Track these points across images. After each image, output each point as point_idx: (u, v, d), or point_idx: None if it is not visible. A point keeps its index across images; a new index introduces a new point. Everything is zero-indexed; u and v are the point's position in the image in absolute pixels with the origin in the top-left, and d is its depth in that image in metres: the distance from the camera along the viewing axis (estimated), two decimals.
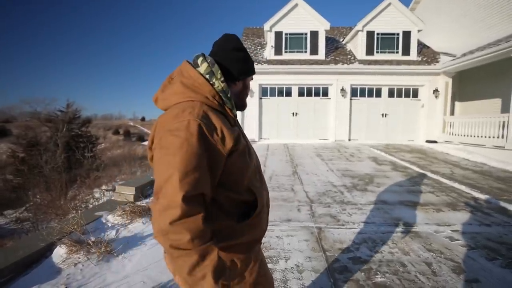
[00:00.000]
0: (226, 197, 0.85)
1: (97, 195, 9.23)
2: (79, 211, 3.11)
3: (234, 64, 0.92)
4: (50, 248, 2.46)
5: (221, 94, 0.86)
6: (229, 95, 0.88)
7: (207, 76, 0.85)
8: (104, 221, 3.09)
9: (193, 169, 0.71)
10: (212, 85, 0.85)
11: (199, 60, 0.88)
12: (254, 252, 0.97)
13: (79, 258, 2.31)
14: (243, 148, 0.87)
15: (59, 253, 2.36)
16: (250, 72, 0.97)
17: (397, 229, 2.81)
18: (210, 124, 0.77)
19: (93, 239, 2.52)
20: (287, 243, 2.51)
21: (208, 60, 0.87)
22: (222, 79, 0.87)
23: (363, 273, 2.03)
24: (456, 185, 4.50)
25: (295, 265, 2.17)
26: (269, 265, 2.13)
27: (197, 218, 0.70)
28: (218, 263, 0.73)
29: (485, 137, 7.34)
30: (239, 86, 0.97)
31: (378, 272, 2.04)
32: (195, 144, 0.72)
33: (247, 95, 1.02)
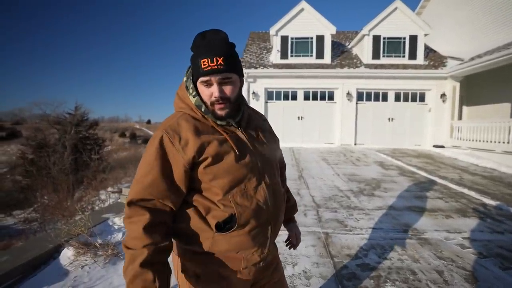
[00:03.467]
0: (201, 203, 0.83)
1: (103, 196, 9.31)
2: (86, 213, 3.13)
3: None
4: (57, 249, 2.48)
5: (197, 108, 0.85)
6: (203, 110, 0.84)
7: (186, 90, 0.88)
8: (110, 224, 3.11)
9: (144, 175, 0.79)
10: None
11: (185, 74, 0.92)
12: (247, 269, 0.89)
13: (86, 260, 2.32)
14: (219, 157, 0.81)
15: (67, 255, 2.38)
16: (193, 78, 0.84)
17: (406, 236, 2.76)
18: (175, 133, 0.80)
19: (100, 241, 2.53)
20: None
21: (187, 73, 0.89)
22: (194, 93, 0.85)
23: (372, 281, 2.00)
24: (466, 191, 4.41)
25: (303, 271, 2.14)
26: None
27: (138, 220, 0.77)
28: (138, 272, 0.73)
29: (495, 142, 7.20)
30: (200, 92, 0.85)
31: (388, 280, 2.00)
32: (151, 152, 0.80)
33: (208, 102, 0.83)
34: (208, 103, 0.83)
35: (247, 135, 0.90)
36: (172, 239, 0.89)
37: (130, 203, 0.79)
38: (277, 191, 0.93)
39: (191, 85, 0.86)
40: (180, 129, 0.81)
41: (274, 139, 1.04)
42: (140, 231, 0.76)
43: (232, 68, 0.82)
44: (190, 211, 0.84)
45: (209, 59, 0.78)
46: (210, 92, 0.82)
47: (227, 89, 0.83)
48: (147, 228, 0.76)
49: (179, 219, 0.85)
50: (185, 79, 0.89)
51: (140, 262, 0.74)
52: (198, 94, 0.85)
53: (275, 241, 1.01)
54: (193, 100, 0.86)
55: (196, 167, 0.81)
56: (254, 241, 0.86)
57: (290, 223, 1.19)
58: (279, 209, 0.93)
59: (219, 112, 0.83)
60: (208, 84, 0.81)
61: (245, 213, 0.82)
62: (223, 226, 0.81)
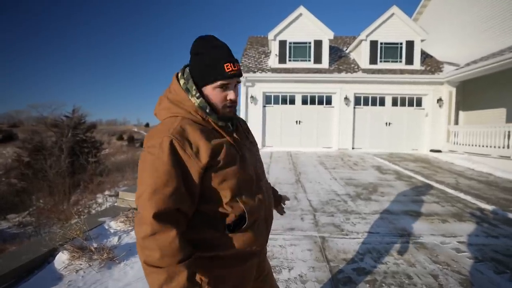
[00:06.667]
0: (208, 209, 0.83)
1: (99, 200, 9.25)
2: (82, 217, 3.11)
3: (194, 71, 0.85)
4: (52, 253, 2.45)
5: (201, 109, 0.84)
6: (208, 110, 0.84)
7: (186, 92, 0.85)
8: (106, 227, 3.09)
9: (163, 185, 0.73)
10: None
11: (179, 75, 0.88)
12: (250, 265, 0.92)
13: (81, 264, 2.30)
14: (229, 160, 0.82)
15: (61, 259, 2.35)
16: (203, 80, 0.83)
17: (402, 240, 2.76)
18: (184, 139, 0.77)
19: (95, 245, 2.51)
20: (290, 252, 2.48)
21: (185, 76, 0.87)
22: (198, 94, 0.84)
23: (367, 285, 2.00)
24: (462, 195, 4.43)
25: (299, 275, 2.13)
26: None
27: (168, 235, 0.72)
28: (186, 286, 0.72)
29: (491, 147, 7.26)
30: (205, 95, 0.86)
31: (383, 284, 2.00)
32: (165, 160, 0.74)
33: (219, 105, 0.85)
34: (220, 105, 0.85)
35: (240, 137, 0.93)
36: None
37: (156, 217, 0.72)
38: (268, 187, 1.01)
39: (194, 87, 0.84)
40: (187, 134, 0.78)
41: (256, 141, 1.11)
42: (174, 245, 0.72)
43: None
44: (199, 217, 0.84)
45: (232, 64, 0.82)
46: (224, 95, 0.85)
47: (237, 93, 0.89)
48: (178, 242, 0.73)
49: (188, 226, 0.84)
50: (182, 81, 0.86)
51: (186, 277, 0.72)
52: (201, 95, 0.84)
53: (267, 250, 1.06)
54: (197, 101, 0.84)
55: (208, 171, 0.80)
56: (259, 237, 0.90)
57: None
58: (272, 204, 1.02)
59: (229, 114, 0.88)
60: (225, 87, 0.84)
61: (252, 211, 0.86)
62: (233, 227, 0.84)
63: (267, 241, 0.98)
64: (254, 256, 0.92)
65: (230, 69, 0.81)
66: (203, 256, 0.85)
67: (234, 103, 0.87)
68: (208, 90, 0.84)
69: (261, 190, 0.92)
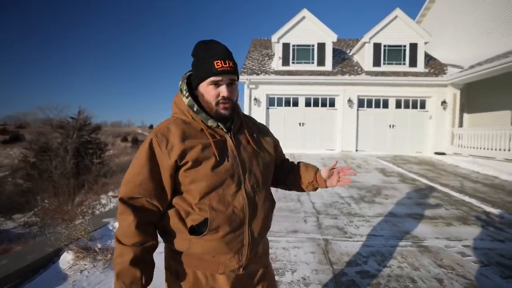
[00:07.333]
0: (179, 206, 0.87)
1: (103, 201, 9.32)
2: (87, 218, 3.14)
3: (193, 72, 0.92)
4: (57, 253, 2.48)
5: (190, 108, 0.89)
6: (195, 109, 0.88)
7: (181, 93, 0.93)
8: (111, 228, 3.11)
9: (135, 175, 0.84)
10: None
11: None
12: (223, 274, 0.88)
13: (85, 264, 2.32)
14: (199, 162, 0.82)
15: (66, 259, 2.38)
16: (197, 78, 0.88)
17: (406, 243, 2.74)
18: (164, 137, 0.84)
19: (99, 246, 2.53)
20: (294, 255, 2.48)
21: (183, 78, 0.94)
22: (187, 94, 0.90)
23: None
24: (467, 198, 4.39)
25: (302, 278, 2.13)
26: (275, 277, 2.09)
27: (127, 218, 0.82)
28: (127, 269, 0.80)
29: (496, 149, 7.18)
30: (199, 94, 0.89)
31: (387, 287, 1.99)
32: (142, 155, 0.85)
33: (212, 103, 0.87)
34: (213, 103, 0.86)
35: (235, 141, 0.91)
36: (160, 237, 0.93)
37: (121, 200, 0.83)
38: (261, 198, 0.92)
39: (185, 87, 0.91)
40: (168, 133, 0.85)
41: (267, 148, 1.02)
42: (130, 229, 0.81)
43: (237, 73, 0.90)
44: (172, 212, 0.87)
45: (222, 61, 0.85)
46: (217, 92, 0.86)
47: (233, 91, 0.89)
48: (136, 227, 0.81)
49: (163, 218, 0.89)
50: (180, 83, 0.94)
51: (129, 259, 0.80)
52: (190, 95, 0.90)
53: (270, 252, 1.00)
54: (186, 100, 0.89)
55: (179, 170, 0.85)
56: (228, 247, 0.85)
57: (319, 174, 1.09)
58: (261, 216, 0.91)
59: (223, 112, 0.87)
60: (217, 84, 0.86)
61: (218, 218, 0.83)
62: (196, 230, 0.84)
63: (243, 257, 0.89)
64: (230, 267, 0.88)
65: (220, 65, 0.84)
66: (177, 250, 0.89)
67: (227, 100, 0.86)
68: (203, 87, 0.87)
69: (243, 199, 0.86)
